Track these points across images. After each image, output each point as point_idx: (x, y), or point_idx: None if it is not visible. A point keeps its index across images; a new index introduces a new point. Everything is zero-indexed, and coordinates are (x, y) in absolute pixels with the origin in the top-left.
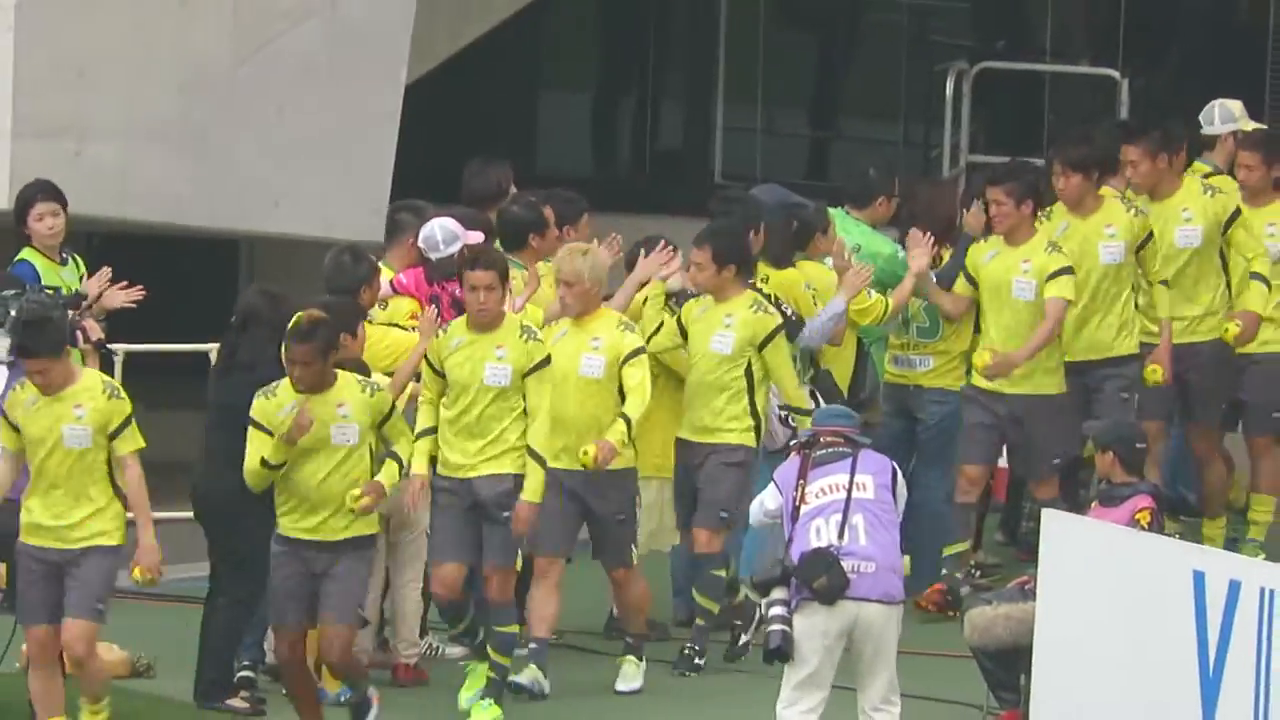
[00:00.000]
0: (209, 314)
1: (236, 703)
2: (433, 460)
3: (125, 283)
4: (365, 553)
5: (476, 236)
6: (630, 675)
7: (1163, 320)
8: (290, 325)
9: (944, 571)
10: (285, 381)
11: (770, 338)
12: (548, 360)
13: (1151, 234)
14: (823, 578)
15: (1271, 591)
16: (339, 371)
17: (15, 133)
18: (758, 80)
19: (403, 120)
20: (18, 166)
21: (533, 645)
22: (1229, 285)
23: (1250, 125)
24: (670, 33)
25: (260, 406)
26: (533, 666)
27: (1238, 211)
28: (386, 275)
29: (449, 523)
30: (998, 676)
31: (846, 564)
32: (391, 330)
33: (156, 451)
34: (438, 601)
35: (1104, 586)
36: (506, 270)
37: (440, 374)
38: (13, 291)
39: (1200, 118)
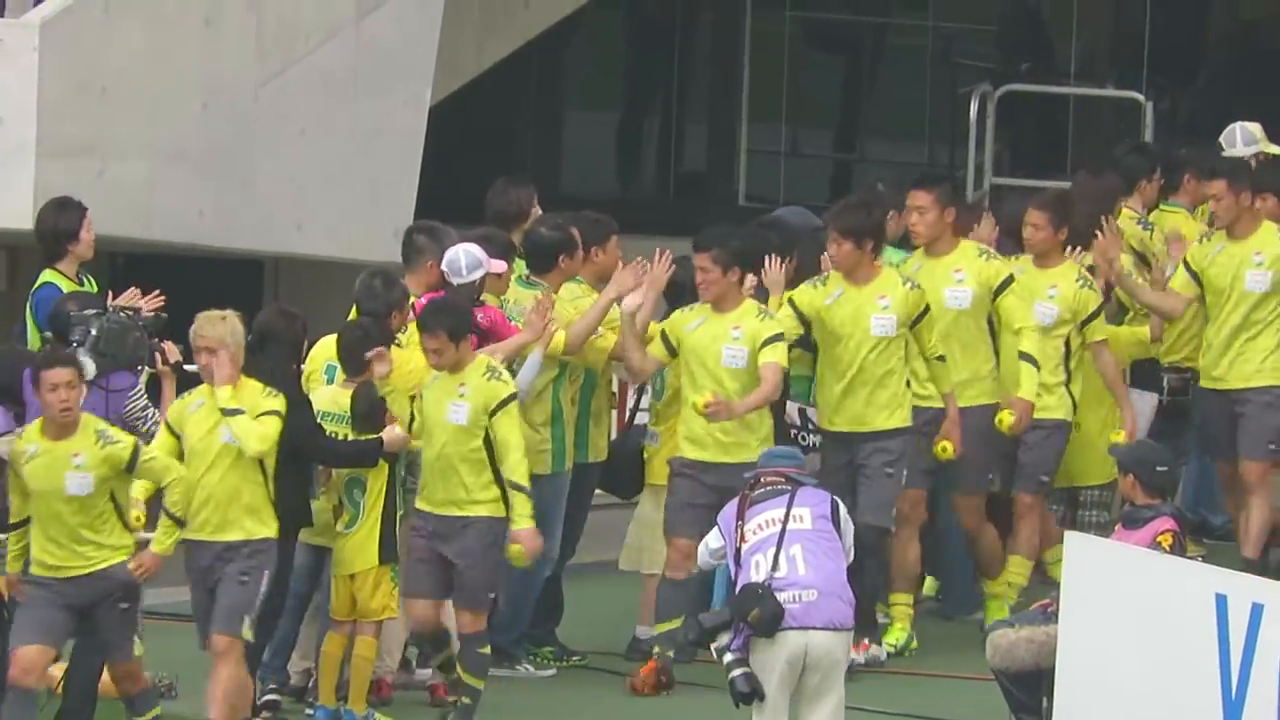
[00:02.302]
0: None
1: None
2: None
3: (154, 293)
4: None
5: (500, 266)
6: None
7: (946, 394)
8: None
9: (656, 649)
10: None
11: (501, 405)
12: (134, 457)
13: (928, 308)
14: (755, 610)
15: None
16: None
17: (39, 152)
18: (782, 102)
19: (427, 140)
20: (42, 186)
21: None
22: (997, 351)
23: (1272, 148)
24: (695, 55)
25: None
26: None
27: (1010, 279)
28: None
29: (35, 612)
30: (1020, 699)
31: (787, 594)
32: (418, 353)
33: None
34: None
35: (1126, 609)
36: (82, 371)
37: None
38: (94, 311)
39: (1221, 140)
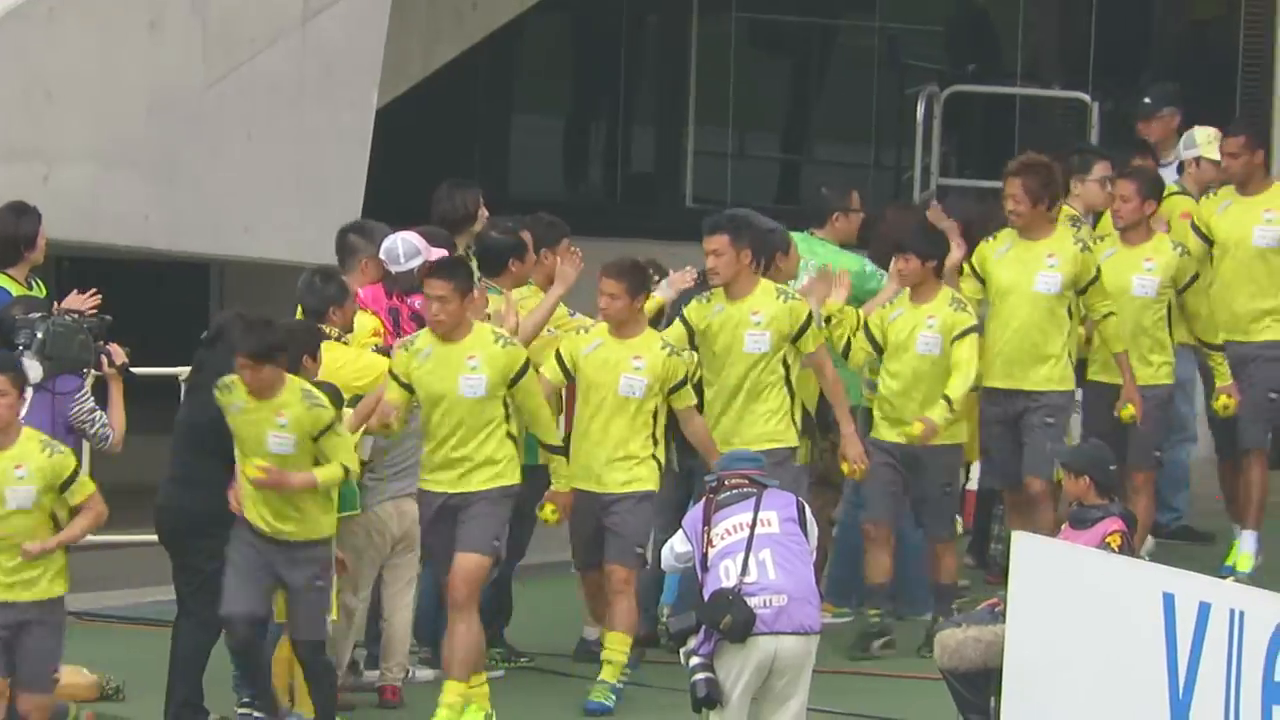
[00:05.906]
0: (179, 338)
1: None
2: None
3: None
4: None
5: (439, 252)
6: None
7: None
8: None
9: None
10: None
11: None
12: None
13: (524, 368)
14: (726, 617)
15: (1241, 613)
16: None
17: None
18: (729, 104)
19: (374, 143)
20: None
21: None
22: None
23: (1213, 152)
24: (642, 57)
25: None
26: None
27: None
28: None
29: None
30: (967, 698)
31: (758, 599)
32: (365, 352)
33: (126, 475)
34: None
35: (1074, 608)
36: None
37: None
38: (39, 314)
39: None
